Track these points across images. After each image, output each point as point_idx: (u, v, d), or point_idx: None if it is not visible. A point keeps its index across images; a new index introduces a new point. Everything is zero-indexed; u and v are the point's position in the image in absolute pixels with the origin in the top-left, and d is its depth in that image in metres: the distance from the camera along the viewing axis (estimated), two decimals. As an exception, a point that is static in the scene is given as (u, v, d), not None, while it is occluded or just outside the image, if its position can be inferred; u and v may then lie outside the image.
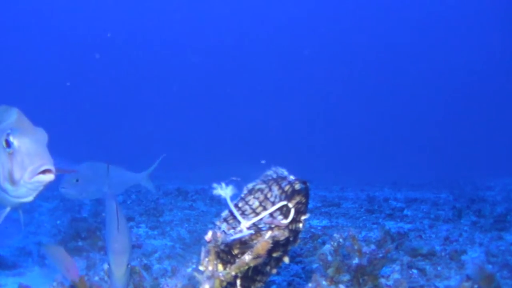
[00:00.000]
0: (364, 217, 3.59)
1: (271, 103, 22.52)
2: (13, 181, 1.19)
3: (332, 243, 1.73)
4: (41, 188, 1.21)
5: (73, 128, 16.78)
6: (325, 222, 3.37)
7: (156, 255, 2.44)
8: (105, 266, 1.90)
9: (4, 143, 1.18)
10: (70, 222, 3.20)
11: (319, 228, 3.00)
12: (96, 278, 1.95)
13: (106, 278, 1.85)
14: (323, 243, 2.25)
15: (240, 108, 21.85)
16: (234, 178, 0.91)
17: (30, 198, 1.25)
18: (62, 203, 4.17)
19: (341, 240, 1.71)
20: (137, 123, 19.07)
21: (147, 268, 2.09)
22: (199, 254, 2.33)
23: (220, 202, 3.96)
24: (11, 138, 1.18)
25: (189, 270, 1.94)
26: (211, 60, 24.92)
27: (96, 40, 24.41)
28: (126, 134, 17.16)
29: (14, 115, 1.26)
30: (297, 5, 25.42)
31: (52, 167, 1.16)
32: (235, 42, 25.71)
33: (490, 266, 2.07)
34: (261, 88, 24.13)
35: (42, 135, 1.22)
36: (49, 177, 1.17)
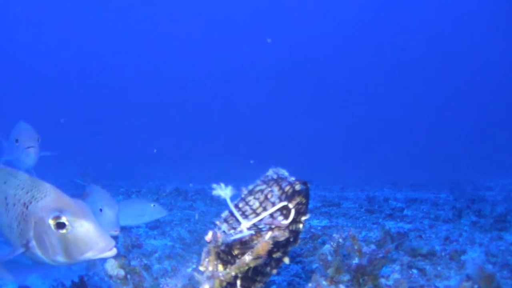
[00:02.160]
0: (364, 217, 3.59)
1: (271, 103, 22.53)
2: (70, 258, 1.19)
3: (332, 243, 1.73)
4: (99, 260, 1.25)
5: (73, 128, 16.78)
6: (325, 222, 3.37)
7: (156, 255, 2.43)
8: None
9: (52, 224, 1.18)
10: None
11: (319, 228, 3.00)
12: (96, 278, 1.95)
13: (106, 278, 1.85)
14: (323, 243, 2.25)
15: (240, 108, 21.86)
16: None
17: (91, 267, 1.29)
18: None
19: (341, 240, 1.71)
20: (137, 123, 19.07)
21: (147, 268, 2.09)
22: (199, 254, 2.33)
23: (220, 202, 3.96)
24: (64, 220, 1.17)
25: (189, 270, 1.94)
26: (210, 61, 24.92)
27: (96, 40, 24.40)
28: (126, 134, 17.15)
29: (51, 193, 1.25)
30: (297, 4, 25.41)
31: (112, 244, 1.19)
32: (235, 43, 25.70)
33: (490, 266, 2.06)
34: (261, 88, 24.13)
35: (88, 210, 1.23)
36: (113, 252, 1.19)
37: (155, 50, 25.92)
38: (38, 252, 1.24)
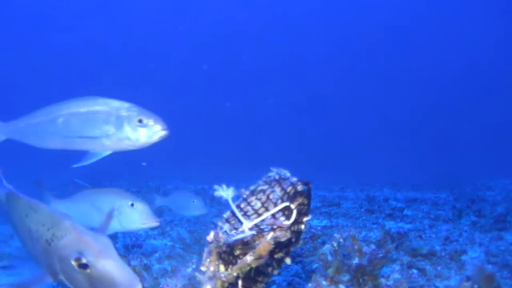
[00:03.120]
0: (364, 217, 3.59)
1: (271, 104, 22.53)
2: None
3: (332, 243, 1.73)
4: None
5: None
6: (325, 222, 3.37)
7: (156, 255, 2.44)
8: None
9: (75, 265, 1.17)
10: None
11: (319, 228, 3.00)
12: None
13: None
14: (323, 243, 2.25)
15: (240, 108, 21.87)
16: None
17: None
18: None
19: (341, 240, 1.71)
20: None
21: (147, 268, 2.09)
22: (199, 254, 2.33)
23: (220, 202, 3.96)
24: (86, 261, 1.16)
25: (189, 270, 1.94)
26: (212, 60, 24.92)
27: (95, 40, 24.41)
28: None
29: (70, 232, 1.24)
30: (297, 4, 25.41)
31: (138, 281, 1.18)
32: (235, 43, 25.71)
33: (490, 266, 2.06)
34: (261, 88, 24.14)
35: (110, 247, 1.21)
36: None
37: (156, 49, 25.93)
38: (68, 284, 1.24)
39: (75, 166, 1.81)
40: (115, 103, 1.78)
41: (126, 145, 1.78)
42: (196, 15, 25.97)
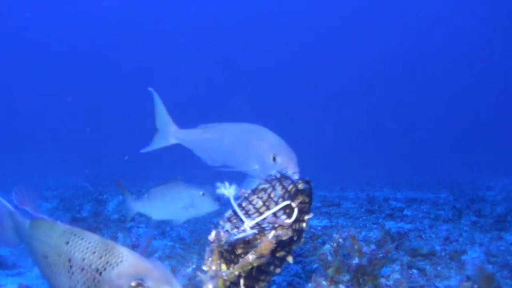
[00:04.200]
0: (364, 217, 3.59)
1: (271, 103, 22.52)
2: None
3: (332, 243, 1.73)
4: None
5: (73, 128, 16.78)
6: (325, 222, 3.37)
7: (156, 255, 2.44)
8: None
9: None
10: (70, 222, 3.19)
11: (319, 228, 3.00)
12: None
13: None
14: (323, 243, 2.25)
15: (240, 108, 21.85)
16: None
17: None
18: (62, 203, 4.16)
19: (341, 240, 1.71)
20: (138, 122, 19.06)
21: (147, 268, 2.08)
22: (199, 254, 2.33)
23: (220, 202, 3.95)
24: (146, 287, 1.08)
25: (189, 270, 1.94)
26: (211, 57, 24.91)
27: (95, 39, 24.41)
28: (125, 133, 17.15)
29: (128, 258, 1.13)
30: (298, 3, 25.41)
31: None
32: (235, 42, 25.70)
33: (490, 266, 2.06)
34: (261, 88, 24.13)
35: (170, 274, 1.11)
36: None
37: (157, 49, 25.94)
38: None
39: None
40: (272, 140, 1.81)
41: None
42: (196, 18, 25.97)
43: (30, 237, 1.36)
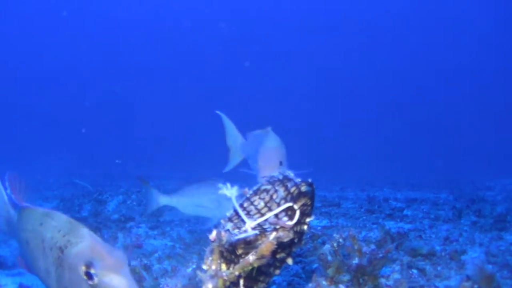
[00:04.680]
0: (364, 217, 3.59)
1: (271, 103, 22.51)
2: None
3: (332, 243, 1.73)
4: None
5: (73, 128, 16.77)
6: (325, 222, 3.37)
7: (156, 255, 2.44)
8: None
9: (82, 273, 1.12)
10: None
11: (319, 228, 3.00)
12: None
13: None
14: (323, 243, 2.25)
15: (240, 107, 21.85)
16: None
17: None
18: (62, 203, 4.17)
19: (341, 240, 1.71)
20: (138, 122, 19.07)
21: (147, 268, 2.09)
22: (199, 254, 2.34)
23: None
24: (94, 271, 1.10)
25: (189, 270, 1.94)
26: (210, 59, 24.91)
27: (95, 39, 24.41)
28: (125, 133, 17.15)
29: (86, 239, 1.17)
30: (296, 3, 25.41)
31: None
32: (236, 43, 25.70)
33: (490, 266, 2.06)
34: (261, 87, 24.13)
35: (123, 262, 1.14)
36: None
37: (158, 49, 25.93)
38: None
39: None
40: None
41: None
42: (197, 20, 25.98)
43: (17, 229, 1.40)
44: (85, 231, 1.18)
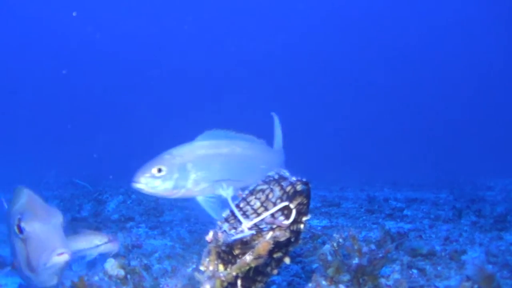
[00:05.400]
0: (364, 217, 3.59)
1: (271, 102, 22.51)
2: (31, 269, 1.14)
3: (332, 243, 1.73)
4: (60, 271, 1.17)
5: (74, 128, 16.78)
6: (325, 222, 3.37)
7: (156, 255, 2.44)
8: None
9: (16, 229, 1.14)
10: (70, 222, 3.20)
11: (319, 228, 3.00)
12: (96, 278, 1.95)
13: (106, 278, 1.85)
14: (323, 243, 2.25)
15: (240, 107, 21.87)
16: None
17: (54, 282, 1.21)
18: (62, 203, 4.17)
19: (341, 240, 1.71)
20: (138, 122, 19.07)
21: (147, 268, 2.09)
22: (199, 254, 2.33)
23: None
24: (22, 224, 1.13)
25: (189, 270, 1.94)
26: (210, 59, 24.92)
27: (95, 38, 24.42)
28: (124, 133, 17.16)
29: (23, 197, 1.21)
30: (296, 4, 25.42)
31: (65, 249, 1.12)
32: (236, 43, 25.71)
33: (490, 266, 2.06)
34: (261, 87, 24.14)
35: (54, 217, 1.16)
36: (64, 257, 1.12)
37: (159, 49, 25.94)
38: (16, 257, 1.19)
39: None
40: None
41: None
42: (198, 21, 25.99)
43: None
44: (25, 191, 1.23)
